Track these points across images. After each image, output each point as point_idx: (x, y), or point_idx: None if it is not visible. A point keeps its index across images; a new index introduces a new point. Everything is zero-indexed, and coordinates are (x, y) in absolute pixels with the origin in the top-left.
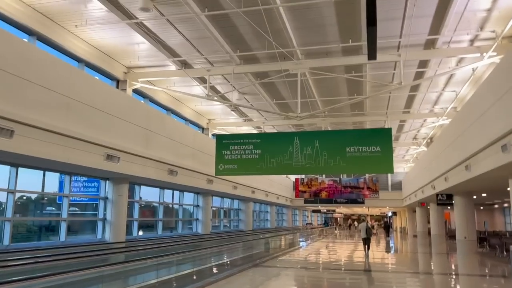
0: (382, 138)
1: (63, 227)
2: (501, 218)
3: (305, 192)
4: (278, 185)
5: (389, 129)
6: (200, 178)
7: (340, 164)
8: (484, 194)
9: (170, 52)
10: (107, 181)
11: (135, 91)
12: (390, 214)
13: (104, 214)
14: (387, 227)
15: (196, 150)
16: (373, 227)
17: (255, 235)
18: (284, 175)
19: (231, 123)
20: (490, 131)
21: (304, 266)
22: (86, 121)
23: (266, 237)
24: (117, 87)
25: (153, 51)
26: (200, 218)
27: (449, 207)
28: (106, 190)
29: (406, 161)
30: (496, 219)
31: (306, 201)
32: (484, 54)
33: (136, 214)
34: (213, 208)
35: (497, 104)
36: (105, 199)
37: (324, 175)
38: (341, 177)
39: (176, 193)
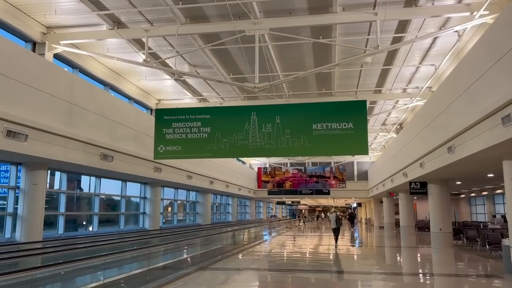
0: (356, 112)
1: None
2: (467, 208)
3: (268, 182)
4: (241, 176)
5: (364, 102)
6: (145, 165)
7: (306, 144)
8: (458, 182)
9: (98, 6)
10: (20, 167)
11: (61, 59)
12: (355, 205)
13: (15, 208)
14: (352, 218)
15: (140, 132)
16: (340, 218)
17: (210, 229)
18: (247, 164)
19: (185, 104)
20: (485, 102)
21: (259, 267)
22: None
23: (221, 232)
24: (34, 51)
25: (79, 6)
26: (147, 212)
27: (415, 197)
28: (19, 179)
29: (373, 150)
30: (462, 208)
31: (270, 193)
32: (475, 13)
33: (62, 208)
34: (165, 201)
35: (495, 68)
36: (16, 189)
37: (288, 163)
38: (306, 165)
39: (118, 183)
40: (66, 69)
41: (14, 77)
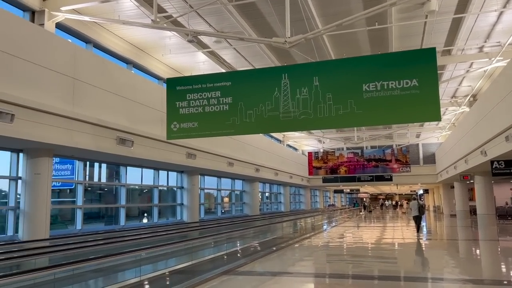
0: (421, 63)
1: None
2: None
3: (320, 168)
4: (291, 163)
5: (432, 50)
6: (176, 151)
7: (354, 111)
8: None
9: None
10: (21, 154)
11: (71, 32)
12: (421, 192)
13: (18, 202)
14: (421, 207)
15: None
16: (423, 206)
17: (255, 221)
18: (299, 151)
19: None
20: None
21: (307, 272)
22: None
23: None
24: (33, 21)
25: None
26: (185, 203)
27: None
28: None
29: (441, 129)
30: None
31: (324, 180)
32: None
33: (79, 201)
34: (206, 191)
35: None
36: (17, 179)
37: (344, 148)
38: (364, 148)
39: (150, 172)
40: (69, 40)
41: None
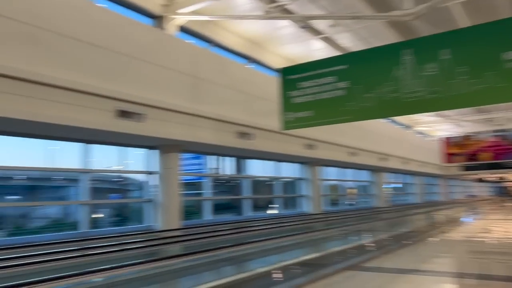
0: None
1: None
2: None
3: (457, 155)
4: (421, 150)
5: None
6: (294, 142)
7: (494, 85)
8: None
9: None
10: (155, 151)
11: (190, 33)
12: None
13: (153, 195)
14: None
15: None
16: None
17: (384, 213)
18: (429, 137)
19: None
20: None
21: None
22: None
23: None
24: (157, 26)
25: None
26: (307, 194)
27: None
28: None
29: None
30: None
31: (463, 168)
32: None
33: (208, 193)
34: (329, 182)
35: None
36: (150, 174)
37: (484, 130)
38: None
39: (272, 164)
40: (190, 41)
41: (128, 53)
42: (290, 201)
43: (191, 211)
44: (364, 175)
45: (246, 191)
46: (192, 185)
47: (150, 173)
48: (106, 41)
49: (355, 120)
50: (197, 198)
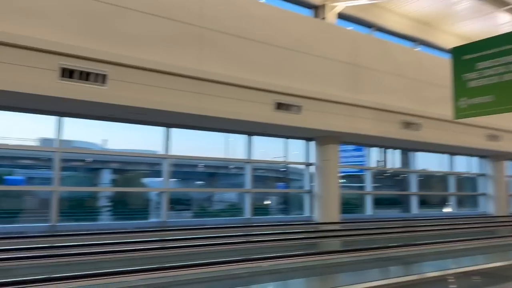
0: None
1: None
2: None
3: None
4: None
5: None
6: (471, 132)
7: None
8: None
9: None
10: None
11: (351, 19)
12: None
13: (311, 186)
14: None
15: None
16: None
17: None
18: None
19: None
20: None
21: None
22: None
23: None
24: (316, 16)
25: None
26: (489, 193)
27: None
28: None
29: None
30: None
31: None
32: None
33: (368, 187)
34: None
35: None
36: (308, 165)
37: None
38: None
39: (444, 157)
40: (350, 28)
41: (287, 46)
42: (468, 200)
43: (352, 204)
44: None
45: (413, 187)
46: (354, 178)
47: (308, 164)
48: (265, 35)
49: None
50: (357, 192)
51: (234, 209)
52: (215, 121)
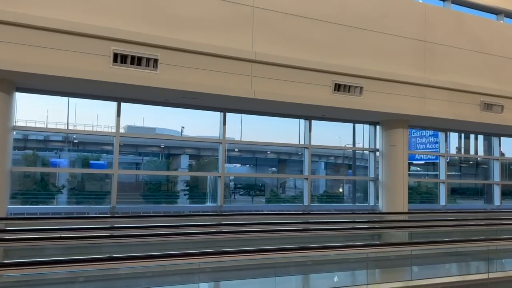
0: None
1: None
2: None
3: None
4: None
5: None
6: None
7: None
8: None
9: None
10: (378, 126)
11: None
12: None
13: (376, 173)
14: None
15: None
16: None
17: None
18: None
19: None
20: None
21: None
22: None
23: None
24: None
25: None
26: None
27: None
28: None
29: None
30: None
31: None
32: None
33: (442, 175)
34: None
35: None
36: (374, 151)
37: None
38: None
39: None
40: (420, 1)
41: (347, 23)
42: None
43: (424, 193)
44: None
45: (495, 176)
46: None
47: (373, 150)
48: (323, 12)
49: None
50: (428, 180)
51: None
52: (269, 104)
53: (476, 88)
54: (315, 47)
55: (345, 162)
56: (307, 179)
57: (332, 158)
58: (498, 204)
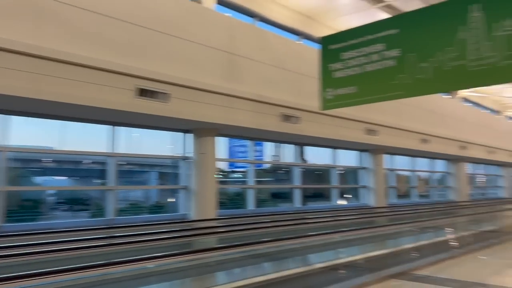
0: None
1: None
2: None
3: None
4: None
5: None
6: (350, 126)
7: None
8: None
9: None
10: (189, 134)
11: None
12: None
13: (187, 181)
14: None
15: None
16: None
17: (462, 209)
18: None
19: None
20: None
21: None
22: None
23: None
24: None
25: None
26: (370, 185)
27: None
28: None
29: None
30: None
31: None
32: None
33: (251, 181)
34: (398, 172)
35: None
36: (184, 159)
37: None
38: None
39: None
40: (228, 14)
41: (153, 27)
42: (353, 193)
43: (234, 200)
44: (440, 166)
45: (296, 180)
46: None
47: (184, 158)
48: (127, 13)
49: (408, 96)
50: (236, 186)
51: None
52: (64, 107)
53: (277, 100)
54: (117, 48)
55: (176, 172)
56: (112, 190)
57: (167, 167)
58: (299, 206)
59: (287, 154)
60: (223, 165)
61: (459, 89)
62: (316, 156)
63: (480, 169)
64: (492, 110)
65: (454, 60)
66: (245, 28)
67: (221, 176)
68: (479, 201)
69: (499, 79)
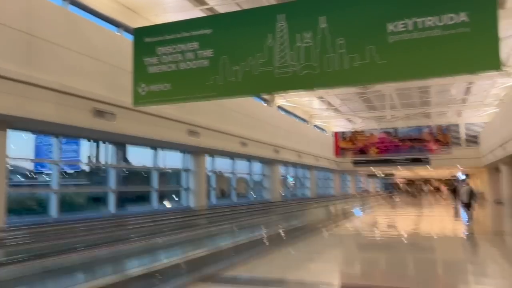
0: None
1: None
2: None
3: (348, 149)
4: (317, 144)
5: None
6: (172, 126)
7: (375, 61)
8: None
9: None
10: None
11: None
12: (463, 177)
13: None
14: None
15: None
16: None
17: (276, 208)
18: (328, 132)
19: None
20: None
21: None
22: None
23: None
24: None
25: None
26: (192, 187)
27: None
28: None
29: (486, 106)
30: None
31: (355, 163)
32: None
33: (55, 183)
34: (219, 174)
35: None
36: None
37: (376, 127)
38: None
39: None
40: None
41: None
42: (176, 195)
43: (33, 205)
44: (257, 167)
45: (113, 183)
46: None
47: None
48: None
49: (220, 97)
50: (35, 190)
51: None
52: None
53: (88, 93)
54: None
55: None
56: None
57: None
58: (113, 211)
59: (107, 154)
60: (29, 166)
61: (266, 93)
62: (142, 158)
63: (291, 171)
64: (302, 119)
65: (263, 66)
66: (51, 9)
67: (19, 177)
68: (289, 201)
69: (299, 86)
